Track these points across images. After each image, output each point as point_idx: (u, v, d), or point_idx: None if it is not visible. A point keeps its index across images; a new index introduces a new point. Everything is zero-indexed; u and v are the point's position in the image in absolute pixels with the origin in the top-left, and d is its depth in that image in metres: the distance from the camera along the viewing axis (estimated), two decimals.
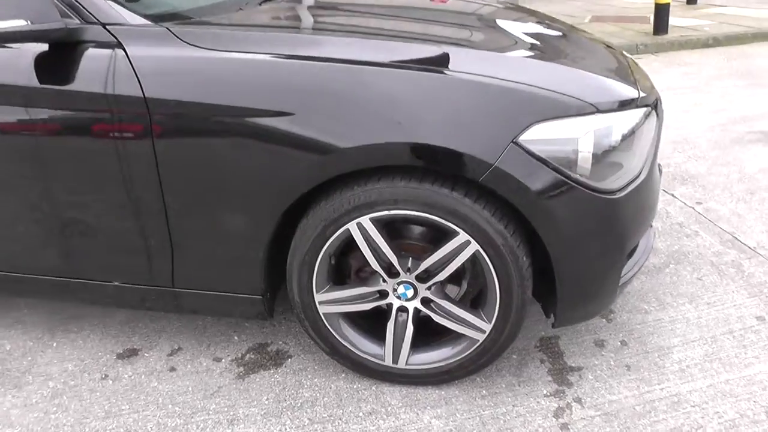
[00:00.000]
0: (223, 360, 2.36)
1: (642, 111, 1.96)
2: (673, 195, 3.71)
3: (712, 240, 3.16)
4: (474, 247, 1.88)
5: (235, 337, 2.48)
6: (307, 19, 2.38)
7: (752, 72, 6.70)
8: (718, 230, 3.26)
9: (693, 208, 3.52)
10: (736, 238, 3.18)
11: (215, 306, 2.17)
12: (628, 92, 1.95)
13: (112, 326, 2.58)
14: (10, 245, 2.21)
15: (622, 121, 1.88)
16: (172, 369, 2.32)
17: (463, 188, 1.86)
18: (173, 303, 2.19)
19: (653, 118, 2.03)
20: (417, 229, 2.09)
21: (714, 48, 8.17)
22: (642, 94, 1.98)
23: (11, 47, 1.94)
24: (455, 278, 2.18)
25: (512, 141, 1.77)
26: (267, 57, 1.84)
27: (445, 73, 1.81)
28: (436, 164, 1.80)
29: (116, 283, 2.20)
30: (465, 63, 1.85)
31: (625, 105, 1.91)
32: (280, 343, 2.44)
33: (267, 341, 2.45)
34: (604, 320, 2.55)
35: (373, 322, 2.20)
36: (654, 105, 2.05)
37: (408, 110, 1.78)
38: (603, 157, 1.84)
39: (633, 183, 1.95)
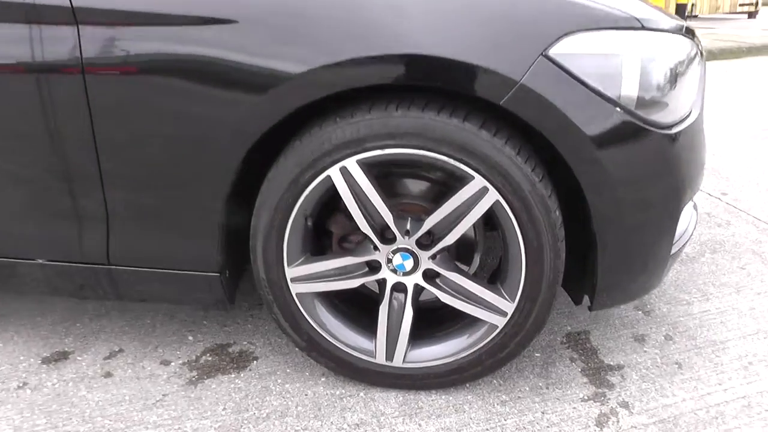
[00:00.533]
0: (173, 363, 1.87)
1: (689, 42, 1.56)
2: None
3: (747, 229, 2.76)
4: (493, 196, 1.44)
5: (190, 337, 2.00)
6: None
7: (753, 80, 6.47)
8: (752, 219, 2.87)
9: (719, 198, 3.14)
10: None
11: (163, 290, 1.70)
12: (675, 20, 1.57)
13: (43, 326, 2.09)
14: None
15: (671, 47, 1.50)
16: (108, 374, 1.83)
17: (479, 118, 1.42)
18: (112, 288, 1.72)
19: (699, 55, 1.62)
20: (416, 186, 1.64)
21: (710, 61, 7.92)
22: (687, 26, 1.59)
23: None
24: (465, 254, 1.72)
25: (542, 53, 1.35)
26: None
27: None
28: (442, 83, 1.37)
29: (41, 261, 1.72)
30: None
31: (673, 31, 1.52)
32: (245, 343, 1.96)
33: (229, 341, 1.97)
34: (640, 313, 2.10)
35: (361, 310, 1.74)
36: (698, 44, 1.64)
37: (401, 13, 1.35)
38: (651, 83, 1.43)
39: (685, 121, 1.53)
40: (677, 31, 1.54)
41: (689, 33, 1.59)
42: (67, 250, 1.68)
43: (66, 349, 1.97)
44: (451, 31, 1.35)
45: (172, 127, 1.46)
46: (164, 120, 1.46)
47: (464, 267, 1.73)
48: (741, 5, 11.87)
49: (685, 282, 2.30)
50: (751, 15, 11.83)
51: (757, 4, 11.79)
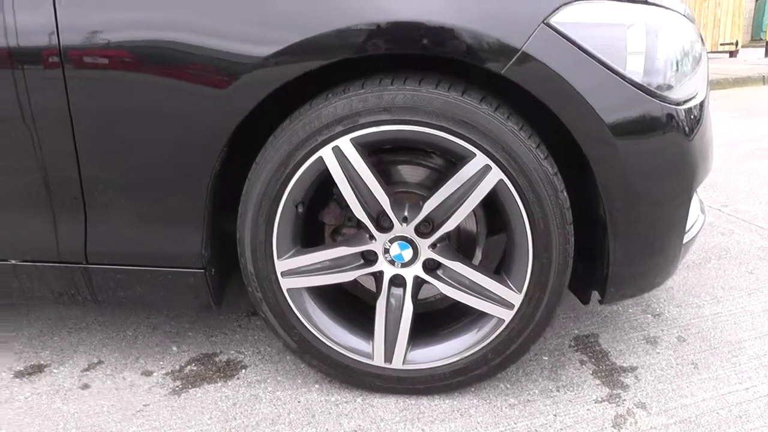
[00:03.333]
0: (155, 374, 1.74)
1: (691, 24, 1.50)
2: None
3: (751, 237, 2.69)
4: (496, 174, 1.35)
5: (174, 348, 1.87)
6: None
7: (740, 107, 6.52)
8: (756, 228, 2.80)
9: (720, 210, 3.07)
10: None
11: (143, 293, 1.58)
12: (679, 3, 1.52)
13: (19, 341, 1.96)
14: None
15: (674, 24, 1.44)
16: (85, 386, 1.70)
17: (479, 92, 1.34)
18: (91, 292, 1.60)
19: (701, 40, 1.56)
20: (413, 172, 1.55)
21: None
22: (689, 13, 1.54)
23: None
24: (466, 246, 1.62)
25: (543, 21, 1.28)
26: None
27: None
28: (439, 51, 1.29)
29: (13, 262, 1.60)
30: None
31: (676, 10, 1.47)
32: (233, 352, 1.84)
33: (215, 351, 1.85)
34: (650, 316, 2.00)
35: (357, 309, 1.62)
36: (698, 31, 1.59)
37: None
38: (656, 57, 1.37)
39: (693, 99, 1.46)
40: (680, 11, 1.49)
41: (691, 18, 1.53)
42: (42, 253, 1.56)
43: (41, 362, 1.84)
44: None
45: (154, 108, 1.37)
46: (142, 99, 1.37)
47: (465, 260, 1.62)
48: (722, 45, 12.10)
49: (694, 286, 2.21)
50: (732, 54, 12.07)
51: (737, 44, 12.04)
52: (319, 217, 1.57)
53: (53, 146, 1.43)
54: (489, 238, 1.65)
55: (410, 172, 1.56)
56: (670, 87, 1.40)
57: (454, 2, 1.29)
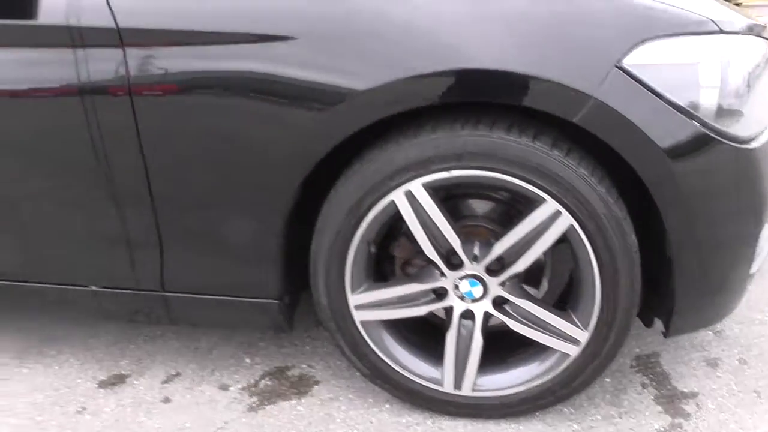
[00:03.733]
0: (232, 388, 1.84)
1: (764, 43, 1.47)
2: None
3: None
4: (566, 220, 1.38)
5: (247, 360, 1.97)
6: None
7: None
8: None
9: None
10: None
11: (219, 316, 1.68)
12: (747, 19, 1.48)
13: (98, 348, 2.08)
14: None
15: (748, 50, 1.42)
16: (167, 400, 1.81)
17: (550, 137, 1.36)
18: (166, 313, 1.70)
19: None
20: (481, 206, 1.59)
21: None
22: (759, 24, 1.51)
23: None
24: (531, 277, 1.66)
25: (615, 65, 1.28)
26: None
27: None
28: (512, 100, 1.31)
29: (94, 288, 1.70)
30: None
31: (748, 32, 1.44)
32: (304, 366, 1.92)
33: (287, 364, 1.94)
34: (711, 333, 2.01)
35: (428, 336, 1.68)
36: None
37: (461, 26, 1.30)
38: (729, 92, 1.36)
39: (764, 134, 1.45)
40: (752, 31, 1.45)
41: (762, 32, 1.50)
42: (120, 277, 1.66)
43: (122, 372, 1.95)
44: (520, 43, 1.30)
45: (229, 148, 1.43)
46: (220, 141, 1.43)
47: (532, 290, 1.66)
48: None
49: (757, 300, 2.20)
50: None
51: None
52: (390, 251, 1.63)
53: (129, 184, 1.51)
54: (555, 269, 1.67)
55: (478, 205, 1.59)
56: (741, 124, 1.39)
57: (525, 48, 1.30)
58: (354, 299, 1.55)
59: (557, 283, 1.65)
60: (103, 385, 1.90)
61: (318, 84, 1.35)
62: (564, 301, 1.64)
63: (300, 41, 1.34)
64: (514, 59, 1.29)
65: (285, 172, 1.43)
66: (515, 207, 1.55)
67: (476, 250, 1.48)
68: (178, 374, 1.92)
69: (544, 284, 1.65)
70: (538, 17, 1.31)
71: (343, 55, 1.34)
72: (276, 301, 1.59)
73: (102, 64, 1.41)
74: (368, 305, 1.56)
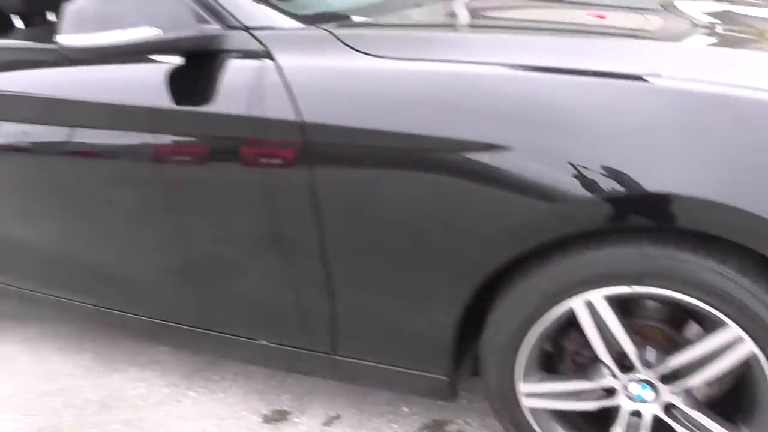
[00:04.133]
0: None
1: None
2: None
3: None
4: (748, 347, 1.27)
5: (405, 409, 1.98)
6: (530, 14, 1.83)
7: None
8: None
9: None
10: None
11: (385, 380, 1.70)
12: None
13: (258, 378, 2.17)
14: (141, 287, 1.89)
15: None
16: None
17: (736, 262, 1.23)
18: (333, 371, 1.74)
19: None
20: (656, 307, 1.49)
21: None
22: None
23: (139, 61, 1.58)
24: None
25: None
26: (486, 68, 1.32)
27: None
28: (708, 228, 1.20)
29: (263, 342, 1.77)
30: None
31: None
32: (460, 422, 1.92)
33: (444, 418, 1.94)
34: None
35: (590, 418, 1.62)
36: None
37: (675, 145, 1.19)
38: None
39: None
40: None
41: None
42: (290, 339, 1.72)
43: (284, 408, 2.03)
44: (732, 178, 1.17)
45: (419, 239, 1.42)
46: (409, 232, 1.42)
47: None
48: None
49: None
50: None
51: None
52: (561, 342, 1.58)
53: (308, 269, 1.55)
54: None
55: (653, 305, 1.50)
56: None
57: (715, 173, 1.17)
58: (524, 387, 1.51)
59: (720, 386, 1.53)
60: (266, 419, 1.98)
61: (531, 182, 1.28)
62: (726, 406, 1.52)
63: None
64: (729, 190, 1.16)
65: (471, 265, 1.40)
66: (691, 313, 1.44)
67: (649, 356, 1.41)
68: (338, 417, 1.97)
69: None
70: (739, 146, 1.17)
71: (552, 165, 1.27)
72: (446, 378, 1.58)
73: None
74: (537, 395, 1.52)
